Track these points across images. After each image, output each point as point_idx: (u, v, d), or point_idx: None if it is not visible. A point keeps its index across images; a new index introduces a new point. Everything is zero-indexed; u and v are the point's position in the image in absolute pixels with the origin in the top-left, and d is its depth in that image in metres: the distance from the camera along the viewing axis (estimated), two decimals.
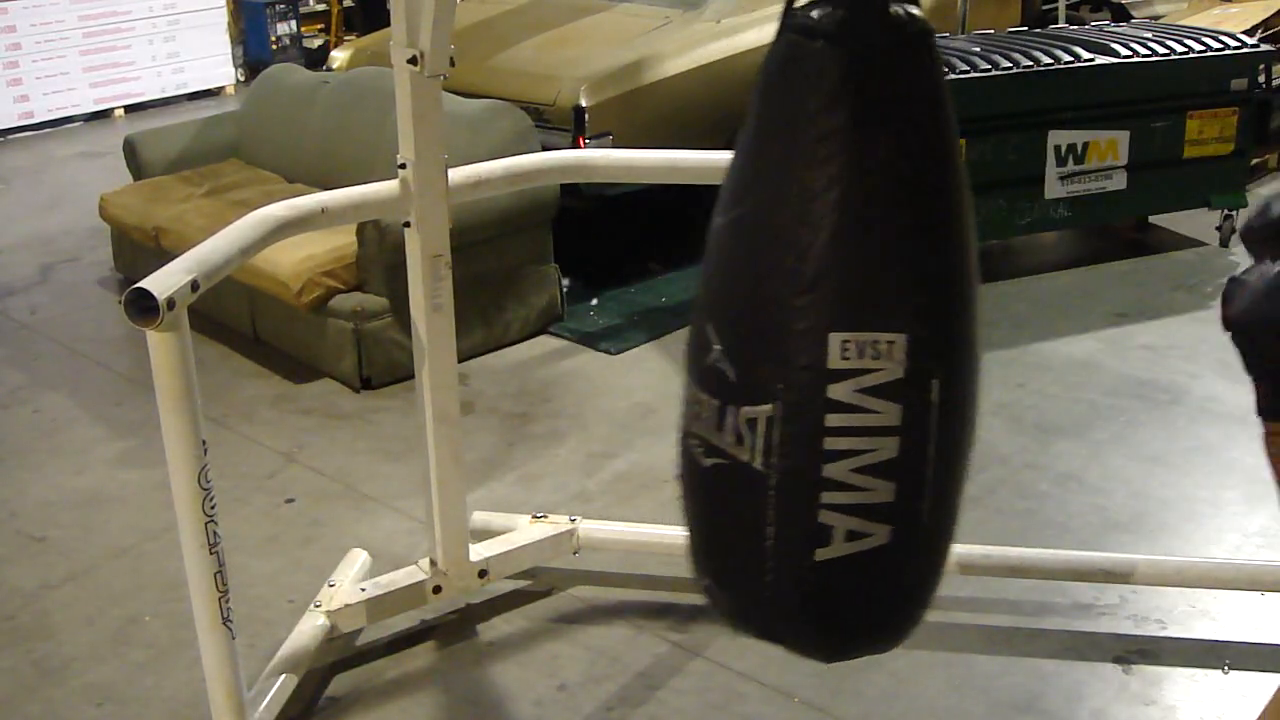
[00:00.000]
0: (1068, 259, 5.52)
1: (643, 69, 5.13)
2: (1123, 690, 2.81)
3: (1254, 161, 5.89)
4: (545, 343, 4.79)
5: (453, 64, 2.56)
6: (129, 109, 8.67)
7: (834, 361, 1.52)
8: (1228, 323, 1.75)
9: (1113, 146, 5.11)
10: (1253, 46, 5.29)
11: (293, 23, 9.52)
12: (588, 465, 3.86)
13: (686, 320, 5.42)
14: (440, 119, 2.61)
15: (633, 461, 3.87)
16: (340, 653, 2.97)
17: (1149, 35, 5.29)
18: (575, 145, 4.87)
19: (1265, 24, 6.56)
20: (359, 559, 3.15)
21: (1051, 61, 4.95)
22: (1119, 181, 5.18)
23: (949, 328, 1.57)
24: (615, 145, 4.87)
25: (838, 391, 1.52)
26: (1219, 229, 5.52)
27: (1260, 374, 1.79)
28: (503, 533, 3.18)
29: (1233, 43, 5.25)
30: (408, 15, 2.49)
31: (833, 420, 1.53)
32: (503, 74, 5.26)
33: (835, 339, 1.51)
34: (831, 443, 1.54)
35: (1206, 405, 4.12)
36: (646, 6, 5.66)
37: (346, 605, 2.88)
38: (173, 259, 2.20)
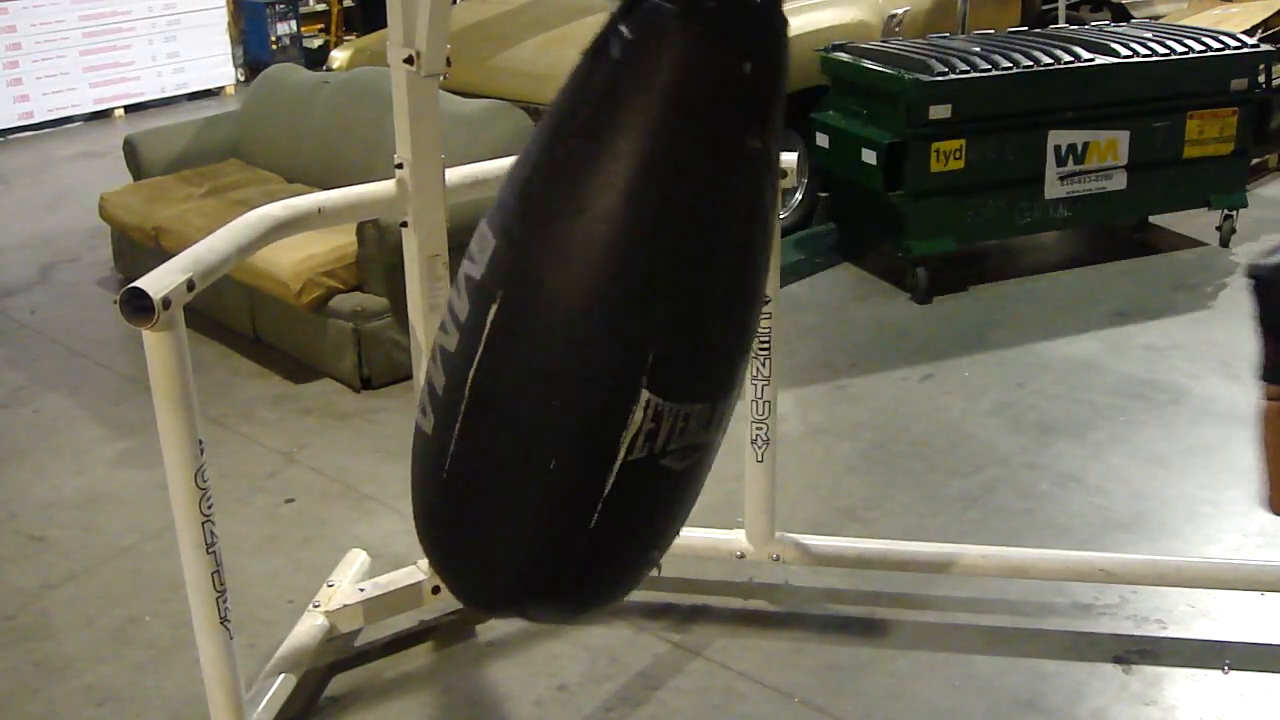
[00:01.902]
0: (1068, 259, 5.52)
1: None
2: (1123, 690, 2.81)
3: (1254, 161, 5.89)
4: None
5: (449, 64, 2.56)
6: (129, 109, 8.68)
7: (471, 244, 1.65)
8: (1252, 270, 1.79)
9: (1113, 146, 5.11)
10: (1253, 46, 5.29)
11: (293, 23, 9.53)
12: None
13: None
14: (437, 119, 2.61)
15: None
16: (339, 653, 2.97)
17: (1149, 35, 5.29)
18: None
19: (1265, 24, 6.56)
20: (358, 559, 3.15)
21: (1051, 61, 4.95)
22: (1119, 181, 5.18)
23: (523, 264, 1.57)
24: None
25: (463, 269, 1.64)
26: (1219, 229, 5.51)
27: (1272, 329, 1.78)
28: None
29: (1233, 43, 5.25)
30: (404, 15, 2.49)
31: (452, 295, 1.65)
32: (503, 74, 5.26)
33: (481, 223, 1.64)
34: (441, 310, 1.67)
35: (1207, 405, 4.11)
36: None
37: (345, 605, 2.88)
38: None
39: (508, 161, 2.96)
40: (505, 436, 1.62)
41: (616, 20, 1.54)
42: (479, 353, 1.59)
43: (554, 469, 1.61)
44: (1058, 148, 5.03)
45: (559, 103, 1.60)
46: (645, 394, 1.55)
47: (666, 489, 1.68)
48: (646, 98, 1.50)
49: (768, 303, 1.70)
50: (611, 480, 1.59)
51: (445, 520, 1.76)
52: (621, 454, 1.57)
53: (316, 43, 9.89)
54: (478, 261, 1.60)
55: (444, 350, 1.64)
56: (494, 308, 1.57)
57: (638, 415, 1.55)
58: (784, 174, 2.79)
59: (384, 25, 2.66)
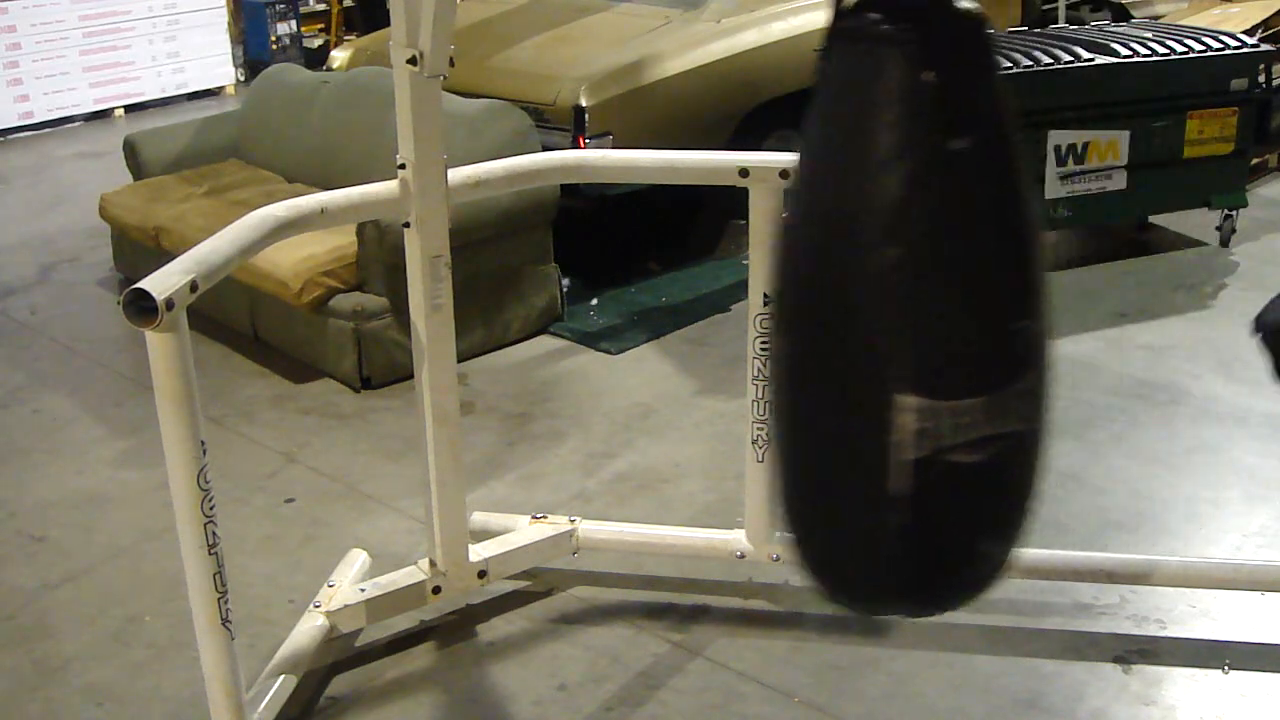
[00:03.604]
0: (1068, 259, 5.52)
1: (643, 69, 5.12)
2: (1123, 690, 2.81)
3: (1254, 161, 5.89)
4: (545, 343, 4.79)
5: (452, 64, 2.56)
6: (129, 109, 8.68)
7: None
8: (1259, 324, 1.79)
9: (1113, 146, 5.11)
10: (1253, 46, 5.29)
11: (293, 23, 9.52)
12: (588, 465, 3.86)
13: (686, 320, 5.39)
14: (439, 119, 2.61)
15: (632, 461, 3.87)
16: (340, 653, 2.97)
17: (1149, 35, 5.29)
18: (575, 145, 4.87)
19: (1265, 24, 6.56)
20: (358, 559, 3.15)
21: (1051, 61, 4.95)
22: (1119, 181, 5.17)
23: (782, 298, 1.71)
24: (615, 145, 4.87)
25: None
26: (1219, 229, 5.51)
27: None
28: (502, 533, 3.18)
29: (1233, 43, 5.25)
30: (407, 15, 2.49)
31: None
32: (503, 74, 5.26)
33: None
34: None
35: (1207, 405, 4.11)
36: (646, 6, 5.66)
37: (346, 606, 2.88)
38: (173, 259, 2.20)
39: (509, 161, 3.00)
40: (814, 455, 1.74)
41: (820, 63, 1.63)
42: (776, 386, 1.73)
43: (852, 481, 1.69)
44: (1058, 148, 5.03)
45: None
46: (903, 397, 1.60)
47: (969, 483, 1.71)
48: (842, 122, 1.60)
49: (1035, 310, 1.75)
50: (904, 483, 1.64)
51: (804, 537, 1.86)
52: (901, 455, 1.62)
53: (316, 43, 9.88)
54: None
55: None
56: (783, 344, 1.71)
57: (902, 418, 1.60)
58: (786, 174, 2.81)
59: (384, 25, 2.66)
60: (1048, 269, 1.74)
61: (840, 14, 1.58)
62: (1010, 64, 4.91)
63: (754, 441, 2.98)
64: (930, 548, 1.75)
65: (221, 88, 9.20)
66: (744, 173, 2.82)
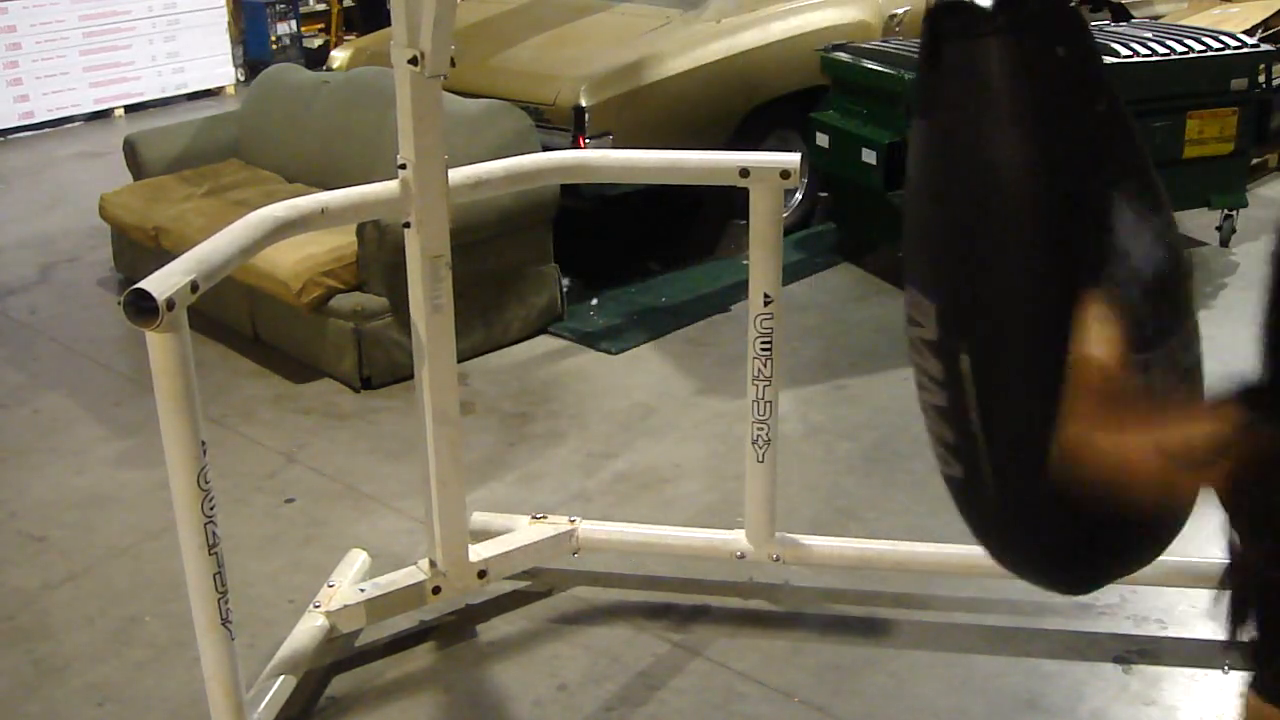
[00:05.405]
0: None
1: (643, 69, 5.12)
2: (1123, 690, 2.81)
3: (1254, 161, 5.89)
4: (545, 343, 4.79)
5: (453, 64, 2.56)
6: (129, 109, 8.68)
7: (909, 310, 1.80)
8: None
9: None
10: (1253, 46, 5.28)
11: (293, 23, 9.52)
12: (588, 465, 3.86)
13: (686, 320, 5.38)
14: (440, 119, 2.61)
15: (633, 461, 3.86)
16: (339, 653, 2.97)
17: (1149, 35, 5.28)
18: (575, 145, 4.87)
19: (1265, 24, 6.56)
20: (358, 559, 3.15)
21: None
22: None
23: (979, 309, 1.71)
24: (615, 145, 4.87)
25: (911, 333, 1.80)
26: (1219, 229, 5.52)
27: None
28: (502, 533, 3.18)
29: (1233, 43, 5.25)
30: (408, 15, 2.49)
31: (914, 358, 1.81)
32: (503, 74, 5.26)
33: (908, 289, 1.81)
34: (916, 378, 1.84)
35: None
36: (646, 6, 5.66)
37: (346, 606, 2.88)
38: (173, 259, 2.20)
39: (509, 161, 3.00)
40: (1025, 456, 1.72)
41: (929, 73, 1.71)
42: (974, 400, 1.73)
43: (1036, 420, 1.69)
44: None
45: (917, 173, 1.76)
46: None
47: None
48: (1000, 115, 1.67)
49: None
50: None
51: (1022, 542, 1.89)
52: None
53: (316, 43, 9.88)
54: (926, 325, 1.75)
55: (938, 407, 1.80)
56: (965, 359, 1.71)
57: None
58: (787, 174, 2.81)
59: (384, 25, 2.66)
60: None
61: (941, 16, 1.66)
62: None
63: (754, 441, 2.98)
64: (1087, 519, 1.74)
65: (221, 88, 9.20)
66: (744, 173, 2.82)
